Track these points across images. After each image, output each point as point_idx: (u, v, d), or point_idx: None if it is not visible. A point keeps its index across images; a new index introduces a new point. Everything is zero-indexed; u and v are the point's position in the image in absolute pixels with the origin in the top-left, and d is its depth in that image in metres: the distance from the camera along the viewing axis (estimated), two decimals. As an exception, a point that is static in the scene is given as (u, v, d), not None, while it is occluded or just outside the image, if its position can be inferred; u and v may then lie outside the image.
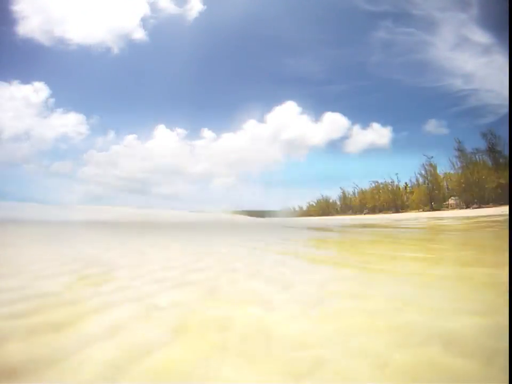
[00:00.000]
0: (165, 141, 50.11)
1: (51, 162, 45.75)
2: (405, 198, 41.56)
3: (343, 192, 50.25)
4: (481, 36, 38.94)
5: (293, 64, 55.86)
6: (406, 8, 41.25)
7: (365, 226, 13.84)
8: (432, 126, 47.02)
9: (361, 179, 48.73)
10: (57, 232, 8.91)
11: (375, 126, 48.78)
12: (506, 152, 31.22)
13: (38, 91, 42.35)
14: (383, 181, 44.74)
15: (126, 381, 1.10)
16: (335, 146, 53.00)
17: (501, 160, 31.82)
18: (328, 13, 54.38)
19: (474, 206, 31.56)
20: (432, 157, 38.45)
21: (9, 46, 40.77)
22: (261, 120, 56.77)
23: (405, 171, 48.81)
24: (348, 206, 48.47)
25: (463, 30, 39.39)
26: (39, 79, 42.90)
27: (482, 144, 34.02)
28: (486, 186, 31.51)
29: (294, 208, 57.44)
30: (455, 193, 35.97)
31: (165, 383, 1.03)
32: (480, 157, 33.89)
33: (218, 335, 1.49)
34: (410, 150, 51.74)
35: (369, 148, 48.23)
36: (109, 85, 56.31)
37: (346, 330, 1.51)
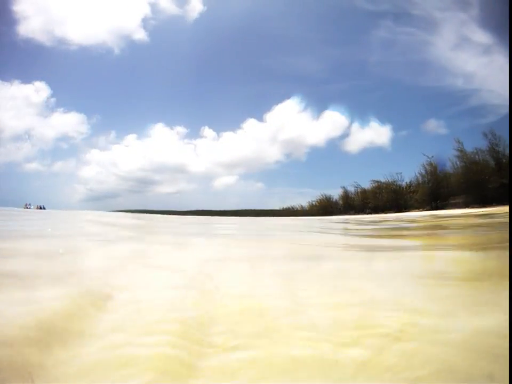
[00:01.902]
0: (165, 140, 50.29)
1: (52, 162, 46.01)
2: (407, 198, 41.39)
3: (345, 191, 50.03)
4: (481, 36, 38.76)
5: (293, 63, 55.81)
6: (406, 8, 41.15)
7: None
8: (432, 126, 46.81)
9: (361, 178, 48.68)
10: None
11: (375, 125, 48.70)
12: (507, 152, 31.07)
13: (38, 91, 42.58)
14: (384, 180, 44.59)
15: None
16: (334, 145, 52.90)
17: (504, 160, 31.64)
18: (329, 12, 54.26)
19: (477, 205, 31.41)
20: (432, 156, 38.34)
21: (10, 46, 41.02)
22: (261, 119, 56.78)
23: (405, 170, 48.65)
24: (350, 205, 48.28)
25: (464, 29, 39.25)
26: (40, 79, 43.12)
27: (482, 144, 33.85)
28: (489, 186, 31.35)
29: (295, 208, 57.40)
30: (457, 193, 35.79)
31: (166, 382, 1.06)
32: (481, 156, 33.74)
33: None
34: (410, 150, 51.56)
35: (369, 146, 48.15)
36: (110, 84, 56.55)
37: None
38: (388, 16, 44.56)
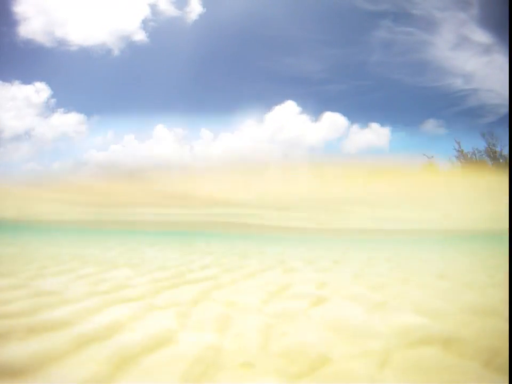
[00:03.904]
0: (163, 141, 50.32)
1: (52, 162, 45.97)
2: (406, 198, 41.24)
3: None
4: (481, 36, 38.88)
5: (292, 64, 55.86)
6: (406, 8, 41.26)
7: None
8: (431, 126, 46.92)
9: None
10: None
11: (374, 126, 48.76)
12: (506, 152, 31.12)
13: (39, 91, 42.48)
14: (384, 181, 44.47)
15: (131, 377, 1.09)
16: (334, 146, 52.99)
17: (501, 161, 31.72)
18: (328, 12, 54.30)
19: (475, 206, 31.42)
20: (432, 156, 38.32)
21: (11, 47, 40.92)
22: (260, 120, 56.81)
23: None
24: (349, 205, 48.04)
25: (463, 29, 39.37)
26: (40, 80, 42.99)
27: (481, 144, 33.89)
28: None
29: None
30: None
31: (164, 383, 1.03)
32: (480, 156, 33.80)
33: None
34: (409, 150, 51.65)
35: (368, 147, 48.27)
36: (109, 85, 56.49)
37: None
38: (388, 16, 44.65)
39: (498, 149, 32.29)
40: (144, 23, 48.17)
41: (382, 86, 55.66)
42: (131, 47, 52.14)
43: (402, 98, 54.09)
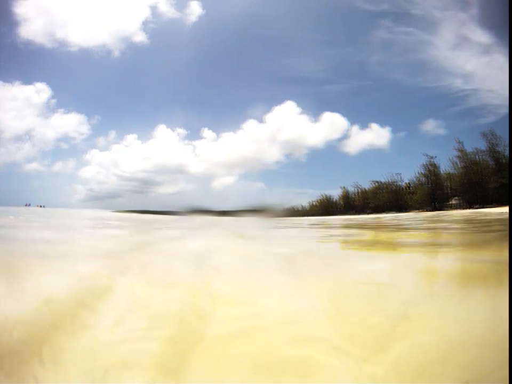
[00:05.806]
0: (165, 141, 50.31)
1: (53, 162, 46.06)
2: (407, 198, 41.22)
3: (345, 192, 49.93)
4: (481, 36, 38.75)
5: (292, 64, 55.88)
6: (406, 8, 41.16)
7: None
8: (431, 126, 46.78)
9: (361, 179, 48.62)
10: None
11: (374, 126, 48.66)
12: (507, 152, 31.06)
13: (39, 92, 42.63)
14: (384, 180, 44.45)
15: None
16: (334, 146, 52.86)
17: (503, 161, 31.65)
18: (328, 12, 54.36)
19: (477, 206, 31.42)
20: (435, 156, 38.24)
21: (11, 48, 41.10)
22: (261, 120, 56.81)
23: (404, 171, 48.65)
24: (350, 205, 48.14)
25: (463, 29, 39.24)
26: (41, 80, 43.21)
27: (482, 145, 33.83)
28: (489, 186, 31.36)
29: (295, 208, 57.33)
30: (457, 193, 35.71)
31: (164, 383, 1.04)
32: (481, 156, 33.69)
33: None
34: (409, 151, 51.49)
35: (368, 147, 48.13)
36: (110, 86, 56.67)
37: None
38: (388, 16, 44.54)
39: (500, 149, 32.21)
40: (145, 24, 48.07)
41: (382, 86, 55.17)
42: (131, 48, 51.89)
43: (402, 98, 53.69)
